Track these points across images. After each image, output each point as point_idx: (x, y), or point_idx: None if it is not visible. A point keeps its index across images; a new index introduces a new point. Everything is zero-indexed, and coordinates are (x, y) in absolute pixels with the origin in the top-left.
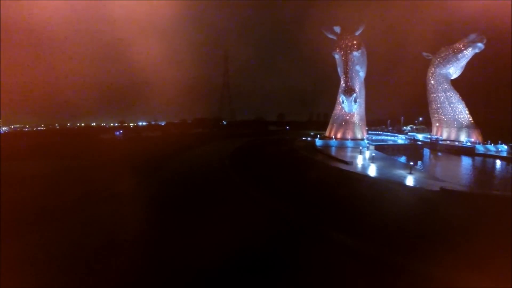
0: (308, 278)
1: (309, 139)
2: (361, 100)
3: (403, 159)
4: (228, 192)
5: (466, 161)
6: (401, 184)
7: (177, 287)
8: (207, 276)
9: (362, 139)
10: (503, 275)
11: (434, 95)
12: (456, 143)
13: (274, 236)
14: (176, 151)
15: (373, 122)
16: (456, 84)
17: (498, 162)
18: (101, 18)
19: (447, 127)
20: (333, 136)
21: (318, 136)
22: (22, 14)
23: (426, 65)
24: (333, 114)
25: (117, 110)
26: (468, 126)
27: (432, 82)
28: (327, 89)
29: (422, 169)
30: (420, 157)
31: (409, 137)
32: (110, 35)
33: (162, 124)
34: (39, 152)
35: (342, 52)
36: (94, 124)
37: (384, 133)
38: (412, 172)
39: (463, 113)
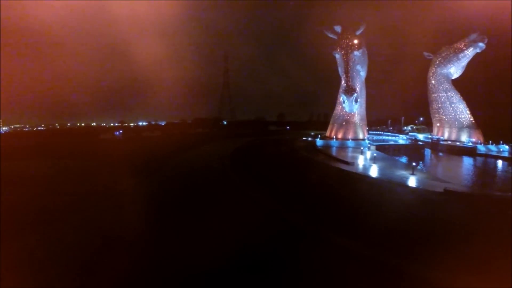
0: (308, 281)
1: (309, 139)
2: (362, 100)
3: (404, 159)
4: (228, 193)
5: (468, 162)
6: (404, 185)
7: (176, 286)
8: (205, 276)
9: (363, 139)
10: None
11: (435, 95)
12: (457, 143)
13: (273, 237)
14: (175, 151)
15: (373, 122)
16: (457, 84)
17: (500, 163)
18: (101, 18)
19: (448, 127)
20: (334, 136)
21: (319, 136)
22: (22, 14)
23: (426, 65)
24: (333, 114)
25: (117, 110)
26: (469, 126)
27: (433, 82)
28: (327, 89)
29: (424, 169)
30: (422, 157)
31: (410, 137)
32: (110, 35)
33: (162, 124)
34: (39, 152)
35: (342, 52)
36: (94, 124)
37: (385, 133)
38: (414, 172)
39: (464, 113)
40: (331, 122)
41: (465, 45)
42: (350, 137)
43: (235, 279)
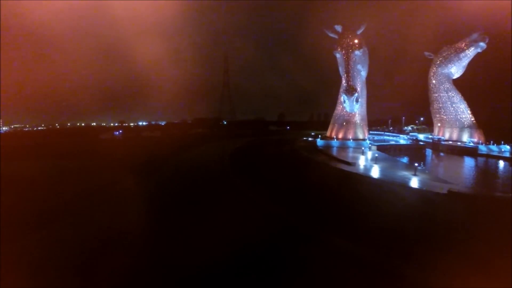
0: (308, 284)
1: (310, 139)
2: (363, 100)
3: (406, 159)
4: (227, 195)
5: (469, 162)
6: (407, 186)
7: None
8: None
9: (364, 139)
10: None
11: (436, 95)
12: (459, 143)
13: (273, 240)
14: (175, 152)
15: (374, 122)
16: (458, 84)
17: (502, 163)
18: (101, 19)
19: (449, 127)
20: (334, 136)
21: (319, 136)
22: (22, 14)
23: (427, 64)
24: (334, 114)
25: (118, 110)
26: (470, 126)
27: (434, 81)
28: (328, 89)
29: (426, 170)
30: (423, 157)
31: (411, 137)
32: (110, 36)
33: (162, 124)
34: (39, 152)
35: (343, 51)
36: (94, 124)
37: (386, 133)
38: (417, 173)
39: (465, 113)
40: (331, 122)
41: (466, 45)
42: (350, 137)
43: (233, 282)
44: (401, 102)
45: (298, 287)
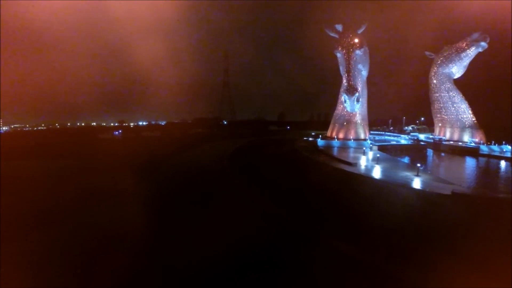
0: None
1: (310, 139)
2: (364, 100)
3: (407, 160)
4: (227, 197)
5: (471, 162)
6: (410, 187)
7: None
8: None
9: (365, 139)
10: None
11: (437, 94)
12: (460, 143)
13: (273, 243)
14: (174, 152)
15: (374, 122)
16: (459, 84)
17: (503, 163)
18: (102, 19)
19: (450, 127)
20: (335, 136)
21: (320, 136)
22: (22, 15)
23: (428, 64)
24: (334, 114)
25: (118, 110)
26: (471, 126)
27: (435, 81)
28: (328, 88)
29: (428, 171)
30: (425, 158)
31: (412, 137)
32: (110, 36)
33: (163, 124)
34: (38, 152)
35: (344, 51)
36: (94, 124)
37: (386, 133)
38: (419, 174)
39: (466, 113)
40: (332, 122)
41: (467, 45)
42: (351, 137)
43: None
44: (401, 102)
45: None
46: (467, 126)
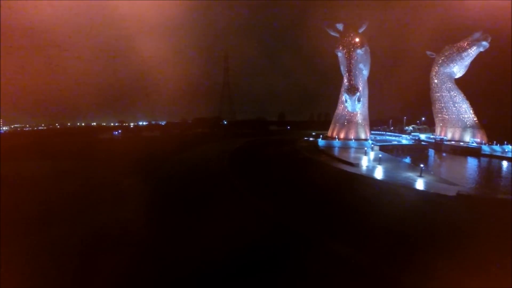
0: None
1: (311, 139)
2: (365, 99)
3: (410, 160)
4: (227, 200)
5: (473, 163)
6: (414, 189)
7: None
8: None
9: (366, 140)
10: None
11: (438, 94)
12: (461, 143)
13: (274, 247)
14: (174, 152)
15: (374, 122)
16: (460, 83)
17: (506, 163)
18: (101, 19)
19: (451, 127)
20: (336, 136)
21: (321, 136)
22: (22, 14)
23: (429, 64)
24: (335, 114)
25: (118, 110)
26: (472, 126)
27: (436, 81)
28: (328, 88)
29: (432, 171)
30: (427, 158)
31: (413, 138)
32: (110, 35)
33: (163, 124)
34: (36, 152)
35: (345, 50)
36: (95, 124)
37: (387, 133)
38: (422, 174)
39: (467, 113)
40: (332, 122)
41: (468, 44)
42: (352, 137)
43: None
44: (402, 101)
45: None
46: (468, 126)
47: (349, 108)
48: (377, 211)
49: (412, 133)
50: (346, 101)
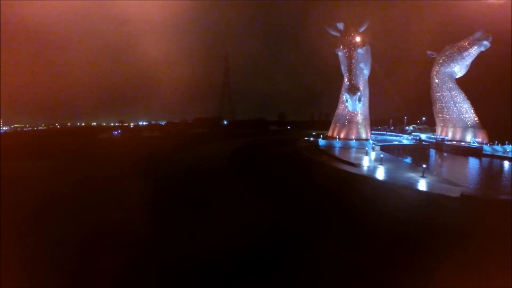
0: None
1: (311, 139)
2: (365, 99)
3: (411, 160)
4: (227, 201)
5: (475, 163)
6: (417, 190)
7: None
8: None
9: (367, 139)
10: None
11: (439, 94)
12: (463, 143)
13: (274, 250)
14: (173, 152)
15: (375, 121)
16: (461, 83)
17: (507, 163)
18: (102, 19)
19: (452, 127)
20: (336, 136)
21: (321, 136)
22: (22, 14)
23: (430, 63)
24: (336, 114)
25: (118, 110)
26: (473, 126)
27: (437, 81)
28: (329, 88)
29: (434, 172)
30: (429, 158)
31: (414, 137)
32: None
33: (163, 123)
34: (36, 152)
35: (345, 49)
36: (95, 123)
37: (388, 133)
38: (425, 175)
39: (468, 113)
40: (333, 122)
41: (469, 44)
42: (353, 137)
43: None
44: (402, 101)
45: None
46: (469, 126)
47: (350, 108)
48: (380, 213)
49: (413, 133)
50: (346, 100)
